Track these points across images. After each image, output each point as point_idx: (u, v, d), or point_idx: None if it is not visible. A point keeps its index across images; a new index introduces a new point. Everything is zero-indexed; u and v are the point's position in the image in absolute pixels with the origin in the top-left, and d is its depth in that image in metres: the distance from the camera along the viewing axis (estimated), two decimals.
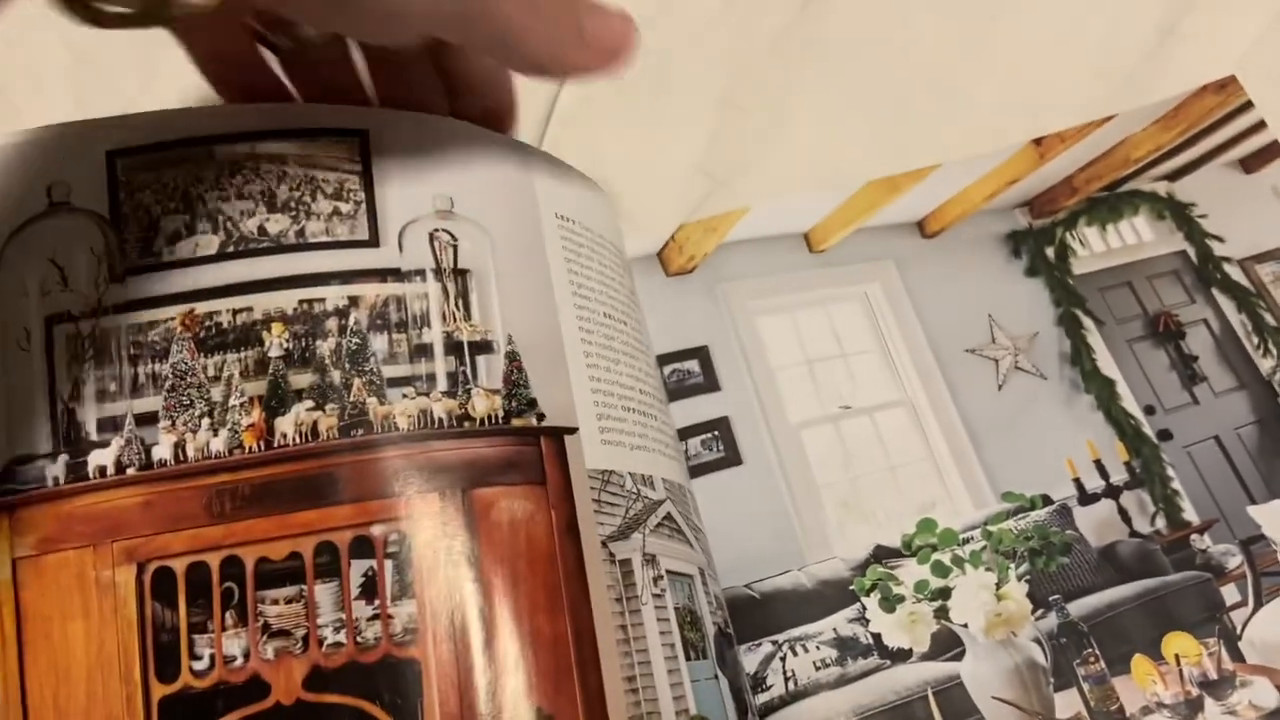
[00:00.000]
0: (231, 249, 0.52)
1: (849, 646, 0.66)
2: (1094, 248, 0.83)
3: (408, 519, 0.49)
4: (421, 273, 0.53)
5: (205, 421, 0.50)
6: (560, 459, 0.51)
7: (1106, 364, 0.80)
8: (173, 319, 0.51)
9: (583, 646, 0.49)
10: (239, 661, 0.47)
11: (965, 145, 0.82)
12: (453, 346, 0.52)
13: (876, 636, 0.67)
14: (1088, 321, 0.81)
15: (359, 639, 0.48)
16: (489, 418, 0.51)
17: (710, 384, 0.76)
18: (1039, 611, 0.67)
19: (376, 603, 0.48)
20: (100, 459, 0.49)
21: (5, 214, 0.52)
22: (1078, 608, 0.67)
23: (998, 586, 0.66)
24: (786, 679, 0.66)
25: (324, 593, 0.48)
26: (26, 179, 0.53)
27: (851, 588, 0.67)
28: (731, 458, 0.75)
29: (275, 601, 0.48)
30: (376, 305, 0.52)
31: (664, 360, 0.74)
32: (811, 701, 0.66)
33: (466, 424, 0.51)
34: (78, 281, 0.52)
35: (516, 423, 0.51)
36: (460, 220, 0.54)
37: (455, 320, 0.53)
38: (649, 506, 0.54)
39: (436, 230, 0.54)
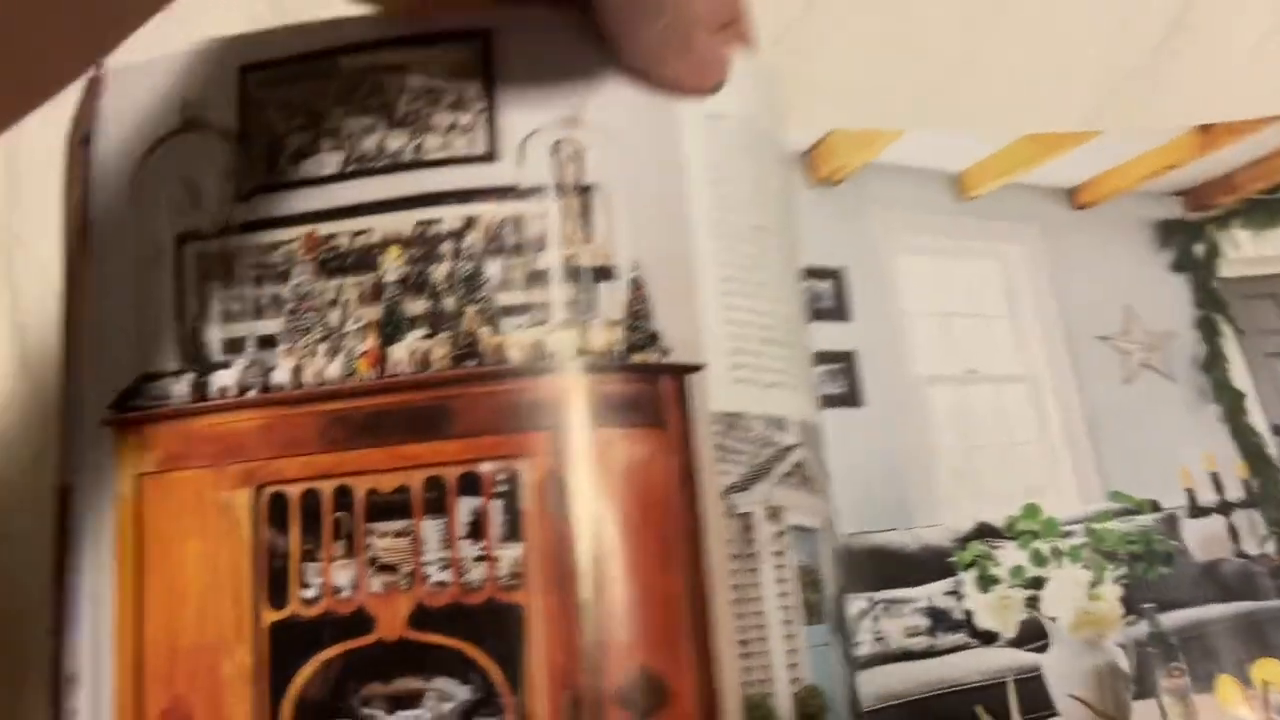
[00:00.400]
0: (351, 168, 0.50)
1: (941, 619, 0.64)
2: (1245, 252, 0.77)
3: (517, 458, 0.46)
4: (541, 189, 0.50)
5: (322, 346, 0.49)
6: (681, 400, 0.48)
7: (1240, 376, 0.75)
8: (295, 240, 0.50)
9: (695, 606, 0.45)
10: (346, 593, 0.47)
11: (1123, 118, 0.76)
12: (571, 272, 0.49)
13: (968, 614, 0.65)
14: (1226, 329, 0.76)
15: (463, 579, 0.46)
16: (607, 352, 0.48)
17: (841, 312, 0.72)
18: (1130, 617, 0.65)
19: (483, 543, 0.46)
20: (223, 380, 0.49)
21: (142, 132, 0.52)
22: (1170, 619, 0.65)
23: (1092, 585, 0.65)
24: (876, 639, 0.65)
25: (431, 529, 0.47)
26: (162, 97, 0.52)
27: (951, 559, 0.65)
28: (852, 397, 0.71)
29: (384, 535, 0.47)
30: (493, 227, 0.50)
31: None
32: (897, 667, 0.65)
33: (583, 358, 0.48)
34: (208, 199, 0.51)
35: (636, 358, 0.48)
36: (587, 127, 0.50)
37: (575, 242, 0.49)
38: (777, 454, 0.50)
39: (560, 140, 0.50)
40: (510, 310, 0.49)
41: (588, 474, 0.46)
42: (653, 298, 0.49)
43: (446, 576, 0.46)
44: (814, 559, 0.50)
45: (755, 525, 0.48)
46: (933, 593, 0.64)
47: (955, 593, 0.64)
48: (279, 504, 0.48)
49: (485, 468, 0.47)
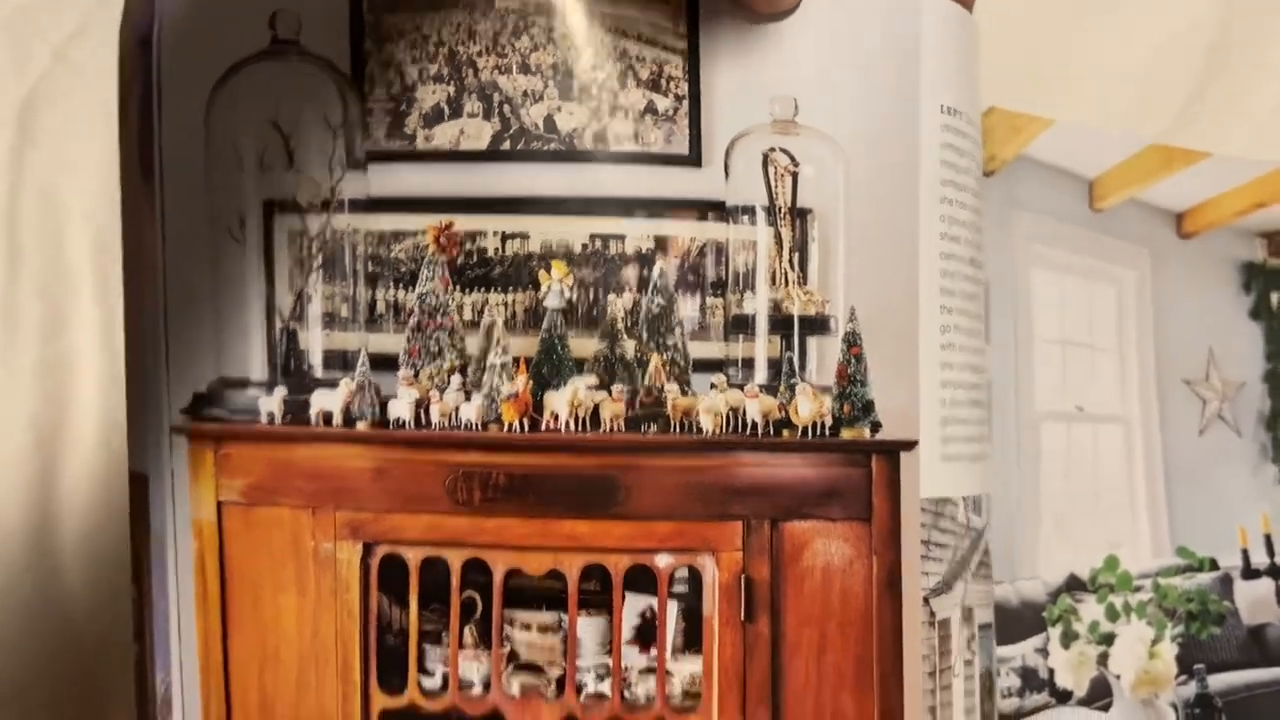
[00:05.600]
0: (507, 145, 0.38)
1: (1030, 679, 0.63)
2: None
3: (701, 552, 0.38)
4: (750, 210, 0.39)
5: (456, 379, 0.39)
6: (892, 486, 0.39)
7: None
8: (423, 232, 0.39)
9: None
10: (477, 690, 0.39)
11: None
12: (780, 322, 0.39)
13: (1051, 672, 0.64)
14: None
15: (626, 694, 0.39)
16: (814, 426, 0.39)
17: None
18: (1181, 677, 0.65)
19: (653, 652, 0.39)
20: (325, 403, 0.39)
21: (215, 47, 0.39)
22: (1216, 681, 0.66)
23: (1153, 643, 0.65)
24: None
25: (588, 628, 0.39)
26: (243, 2, 0.39)
27: (1044, 615, 0.64)
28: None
29: (527, 626, 0.39)
30: (690, 253, 0.39)
31: None
32: None
33: (785, 432, 0.39)
34: (307, 158, 0.39)
35: (846, 434, 0.39)
36: (805, 135, 0.39)
37: (787, 283, 0.39)
38: (974, 541, 0.42)
39: (773, 150, 0.39)
40: (703, 365, 0.39)
41: (783, 576, 0.38)
42: (868, 355, 0.39)
43: (605, 688, 0.39)
44: (992, 660, 0.44)
45: (952, 634, 0.41)
46: (1026, 650, 0.63)
47: (1043, 650, 0.63)
48: (395, 568, 0.39)
49: (662, 561, 0.38)
